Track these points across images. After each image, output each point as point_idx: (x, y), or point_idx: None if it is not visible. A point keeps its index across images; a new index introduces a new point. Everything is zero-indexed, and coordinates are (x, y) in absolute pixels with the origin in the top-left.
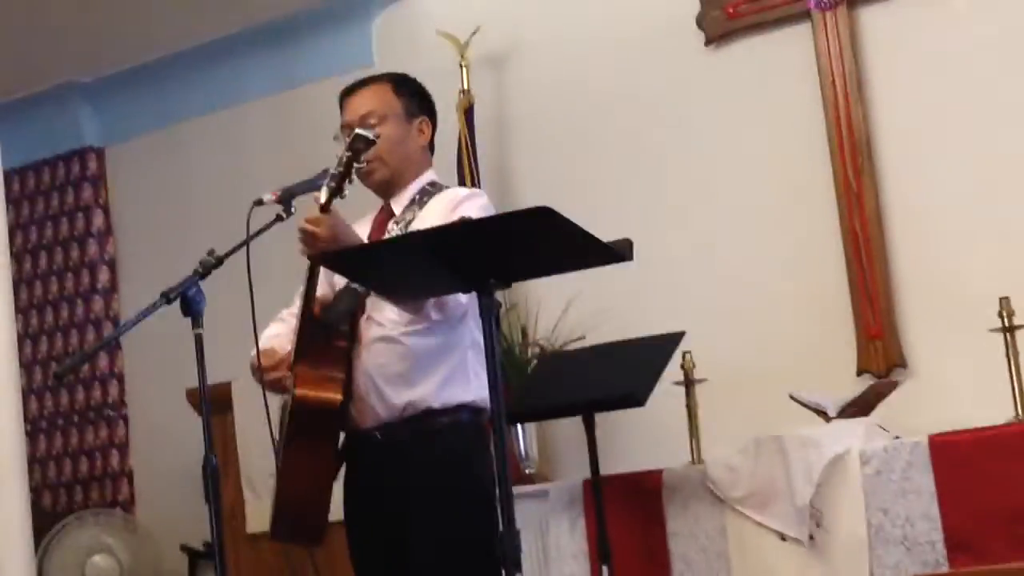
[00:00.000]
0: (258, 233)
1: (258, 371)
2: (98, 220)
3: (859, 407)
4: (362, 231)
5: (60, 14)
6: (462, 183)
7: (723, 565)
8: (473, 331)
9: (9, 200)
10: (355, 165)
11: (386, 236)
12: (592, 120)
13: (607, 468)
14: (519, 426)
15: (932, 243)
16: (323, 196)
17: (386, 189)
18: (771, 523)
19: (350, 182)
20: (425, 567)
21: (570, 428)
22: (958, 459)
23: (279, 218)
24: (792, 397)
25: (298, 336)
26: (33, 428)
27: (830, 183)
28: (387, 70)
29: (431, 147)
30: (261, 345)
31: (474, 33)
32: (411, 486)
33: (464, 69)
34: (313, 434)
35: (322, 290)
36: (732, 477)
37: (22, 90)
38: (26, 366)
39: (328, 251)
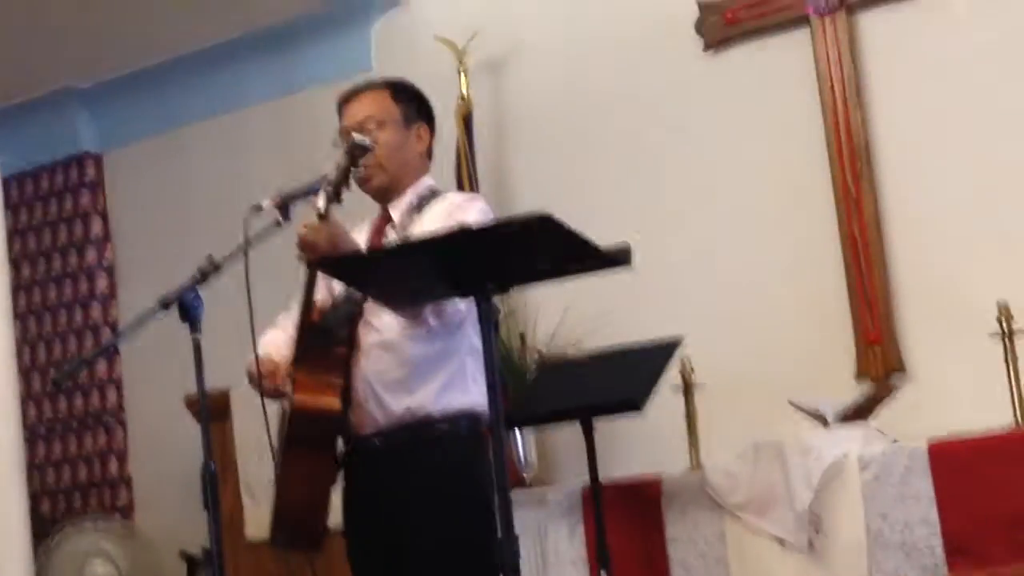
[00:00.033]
0: (256, 239)
1: (256, 379)
2: (96, 226)
3: (858, 412)
4: (360, 237)
5: (58, 19)
6: (461, 188)
7: (722, 571)
8: (471, 337)
9: (7, 206)
10: (352, 171)
11: (384, 242)
12: (591, 125)
13: (606, 474)
14: (518, 432)
15: (931, 248)
16: (321, 202)
17: (384, 195)
18: (770, 529)
19: (348, 188)
20: (424, 573)
21: (569, 434)
22: (957, 464)
23: (277, 224)
24: (791, 403)
25: (297, 342)
26: (32, 434)
27: (829, 188)
28: (386, 75)
29: (429, 153)
30: (259, 352)
31: (472, 39)
32: (410, 492)
33: (462, 74)
34: (312, 440)
35: (321, 296)
36: (731, 483)
37: (20, 95)
38: (25, 372)
39: (326, 257)
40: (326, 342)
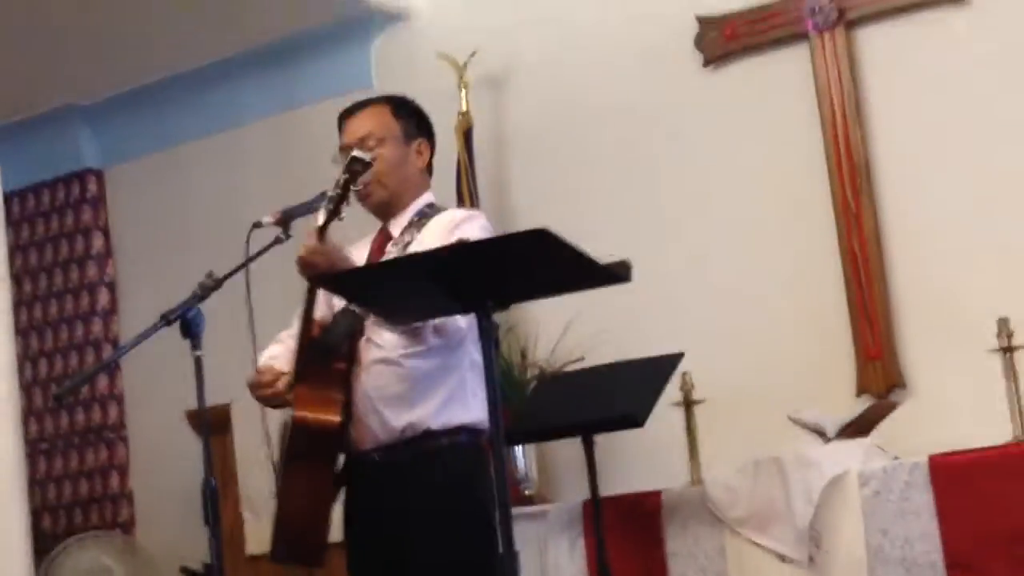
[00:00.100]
0: (257, 255)
1: (256, 387)
2: (98, 242)
3: (858, 428)
4: (360, 253)
5: (60, 37)
6: (461, 203)
7: None
8: (472, 353)
9: (9, 222)
10: (352, 187)
11: (384, 258)
12: (591, 140)
13: (606, 489)
14: (518, 447)
15: (931, 263)
16: (321, 219)
17: (384, 211)
18: (771, 544)
19: (348, 204)
20: None
21: (569, 449)
22: (957, 479)
23: (278, 240)
24: (791, 418)
25: (297, 358)
26: (33, 450)
27: (829, 203)
28: (386, 92)
29: (430, 169)
30: (260, 365)
31: (473, 55)
32: (410, 507)
33: (463, 90)
34: (312, 456)
35: (321, 312)
36: (731, 498)
37: (23, 112)
38: (26, 388)
39: (327, 274)
40: (326, 357)
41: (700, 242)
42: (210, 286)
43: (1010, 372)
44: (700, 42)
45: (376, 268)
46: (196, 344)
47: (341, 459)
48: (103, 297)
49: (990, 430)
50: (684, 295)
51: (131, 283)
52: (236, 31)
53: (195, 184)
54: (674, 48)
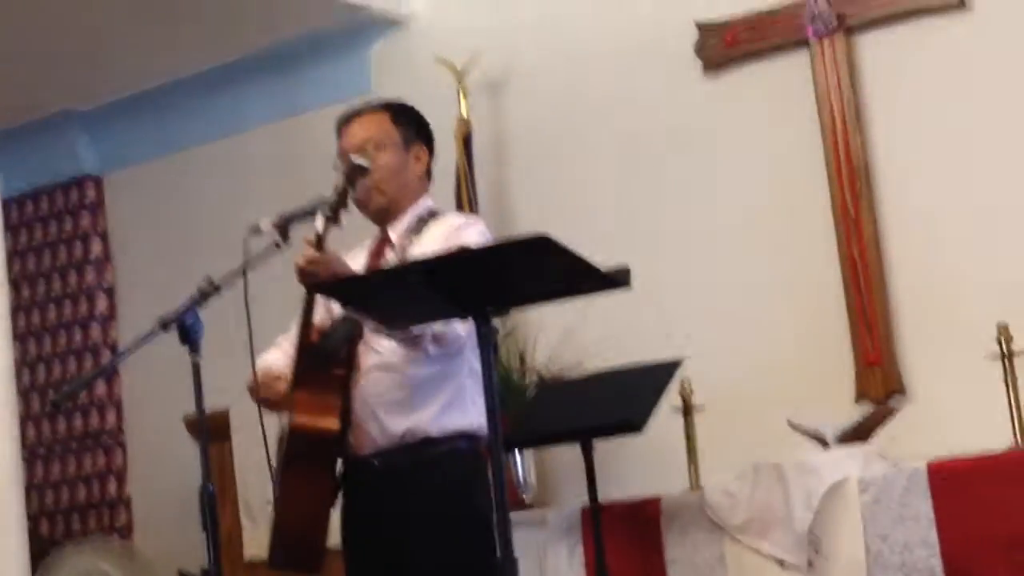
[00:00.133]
0: (255, 261)
1: (255, 389)
2: (96, 248)
3: (857, 434)
4: (359, 259)
5: (59, 43)
6: (460, 208)
7: None
8: (471, 359)
9: (8, 227)
10: (351, 193)
11: (383, 264)
12: (590, 146)
13: (605, 495)
14: (517, 453)
15: (930, 269)
16: (319, 225)
17: (383, 217)
18: (770, 550)
19: (347, 210)
20: None
21: (568, 455)
22: (957, 485)
23: (276, 246)
24: (791, 424)
25: (296, 363)
26: (31, 455)
27: (828, 209)
28: (385, 97)
29: (428, 174)
30: (260, 365)
31: (472, 60)
32: (409, 513)
33: (462, 95)
34: (311, 461)
35: (320, 317)
36: (731, 504)
37: (21, 118)
38: (24, 393)
39: (325, 280)
40: (325, 363)
41: (699, 247)
42: (208, 291)
43: (1009, 378)
44: (700, 49)
45: (375, 275)
46: (194, 349)
47: (339, 464)
48: (101, 303)
49: (989, 436)
50: (683, 299)
51: (129, 289)
52: (235, 37)
53: (194, 190)
54: (674, 54)
